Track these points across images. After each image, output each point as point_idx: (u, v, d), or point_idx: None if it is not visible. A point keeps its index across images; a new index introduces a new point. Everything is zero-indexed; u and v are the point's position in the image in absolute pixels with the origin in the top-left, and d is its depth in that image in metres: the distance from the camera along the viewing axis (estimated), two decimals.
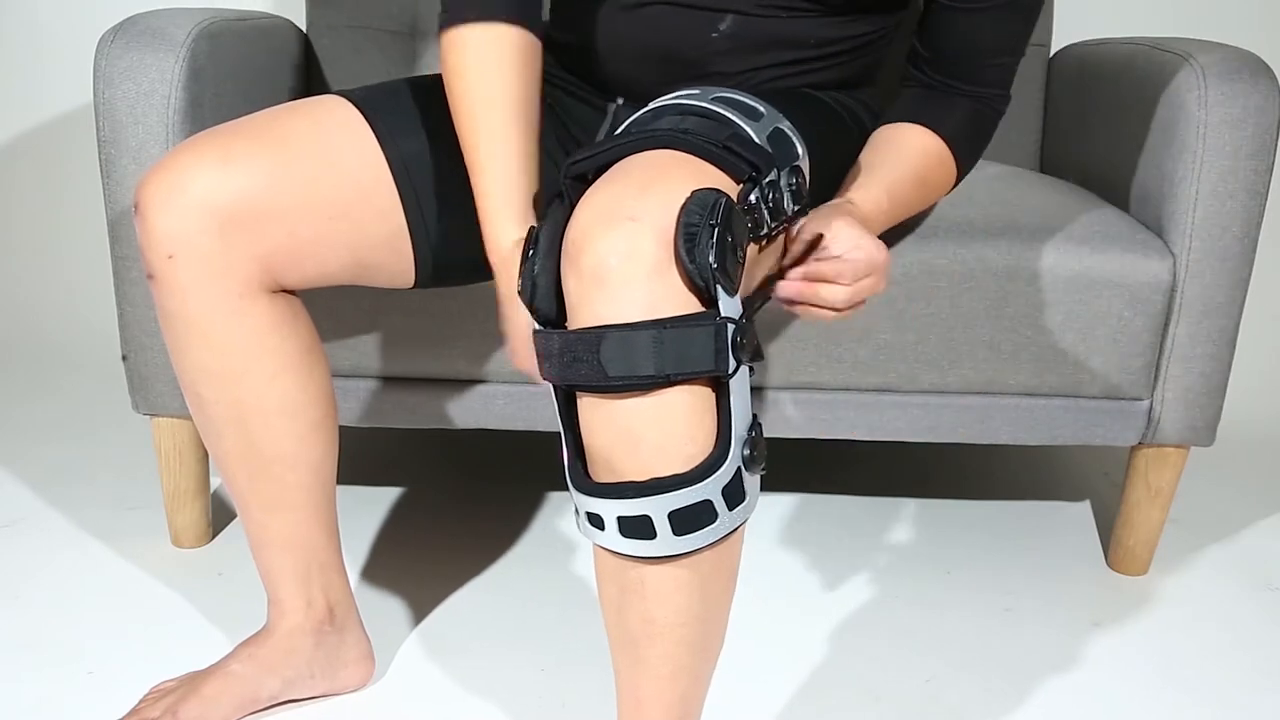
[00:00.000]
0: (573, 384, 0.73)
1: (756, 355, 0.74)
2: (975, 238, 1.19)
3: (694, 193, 0.72)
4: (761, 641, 1.19)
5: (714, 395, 0.73)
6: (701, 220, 0.70)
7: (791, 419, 1.25)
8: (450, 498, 1.50)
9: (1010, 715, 1.08)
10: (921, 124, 1.02)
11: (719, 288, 0.70)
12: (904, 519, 1.47)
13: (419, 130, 0.96)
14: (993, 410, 1.25)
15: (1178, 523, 1.48)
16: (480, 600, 1.25)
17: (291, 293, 0.94)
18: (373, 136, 0.94)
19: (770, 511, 1.48)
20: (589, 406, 0.73)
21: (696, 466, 0.72)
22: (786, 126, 0.86)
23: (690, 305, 0.71)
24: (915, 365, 1.22)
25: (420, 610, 1.23)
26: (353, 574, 1.29)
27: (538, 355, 0.76)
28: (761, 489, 1.52)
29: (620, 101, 1.07)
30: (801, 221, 0.87)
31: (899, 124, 1.03)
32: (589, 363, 0.70)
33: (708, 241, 0.69)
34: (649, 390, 0.71)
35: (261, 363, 0.91)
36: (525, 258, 0.77)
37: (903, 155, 1.01)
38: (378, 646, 1.14)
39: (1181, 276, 1.20)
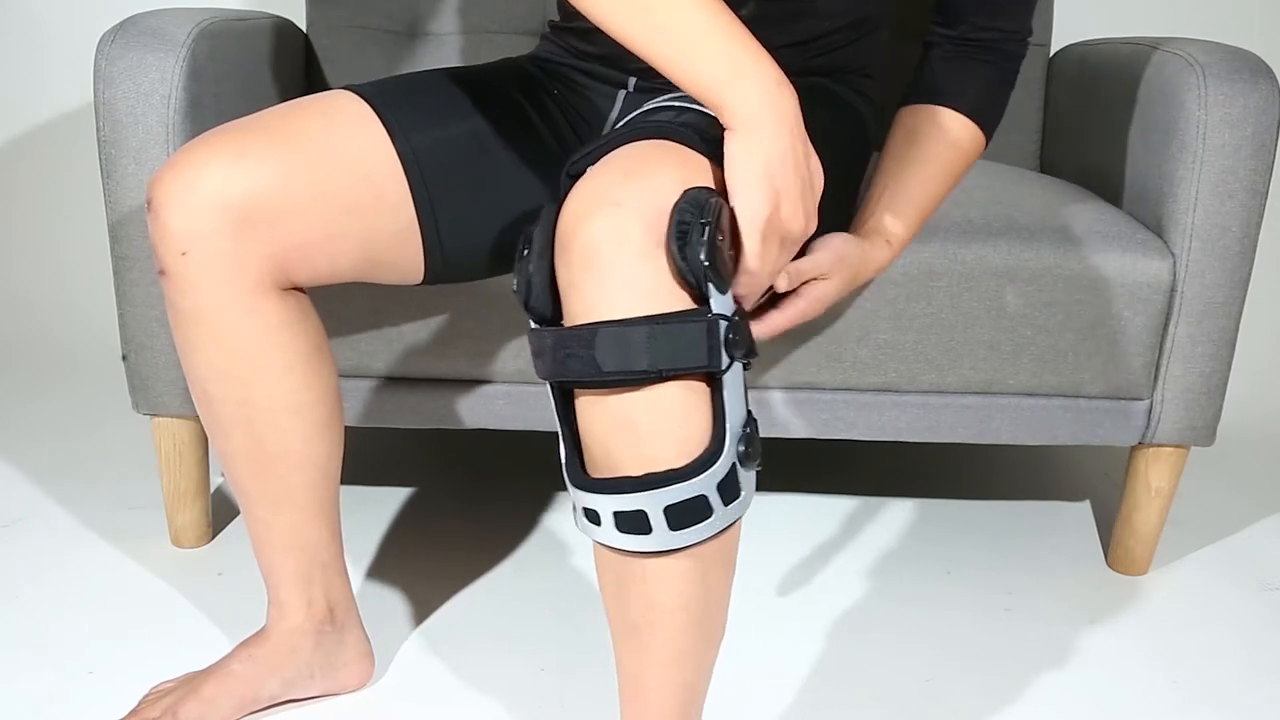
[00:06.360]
0: (566, 379, 0.74)
1: (750, 352, 0.75)
2: (975, 238, 1.19)
3: (686, 191, 0.73)
4: (761, 640, 1.19)
5: (708, 391, 0.74)
6: (693, 219, 0.71)
7: (792, 419, 1.25)
8: (450, 498, 1.50)
9: (1010, 715, 1.09)
10: (945, 104, 1.05)
11: (710, 285, 0.71)
12: (904, 519, 1.47)
13: (430, 124, 0.96)
14: (993, 410, 1.25)
15: (1178, 523, 1.48)
16: (480, 600, 1.25)
17: (301, 291, 0.95)
18: (384, 131, 0.94)
19: (770, 511, 1.48)
20: (586, 403, 0.74)
21: (691, 462, 0.72)
22: None
23: (679, 292, 0.72)
24: (915, 365, 1.22)
25: (420, 610, 1.23)
26: (353, 573, 1.29)
27: (532, 356, 0.77)
28: (761, 488, 1.52)
29: (630, 88, 1.08)
30: (814, 253, 0.91)
31: (923, 109, 1.06)
32: (583, 357, 0.71)
33: (699, 239, 0.70)
34: (643, 385, 0.72)
35: (271, 361, 0.91)
36: (520, 257, 0.78)
37: (934, 155, 1.04)
38: (378, 646, 1.14)
39: (1181, 276, 1.20)
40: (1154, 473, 1.30)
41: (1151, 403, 1.25)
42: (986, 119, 1.07)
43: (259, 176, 0.87)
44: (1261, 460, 1.71)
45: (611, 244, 0.71)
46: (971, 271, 1.18)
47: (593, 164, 0.79)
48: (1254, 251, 1.20)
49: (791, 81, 1.01)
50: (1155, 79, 1.25)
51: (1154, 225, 1.24)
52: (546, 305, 0.77)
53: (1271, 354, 1.95)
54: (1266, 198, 1.18)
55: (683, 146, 0.78)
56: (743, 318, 0.75)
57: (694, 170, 0.76)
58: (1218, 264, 1.20)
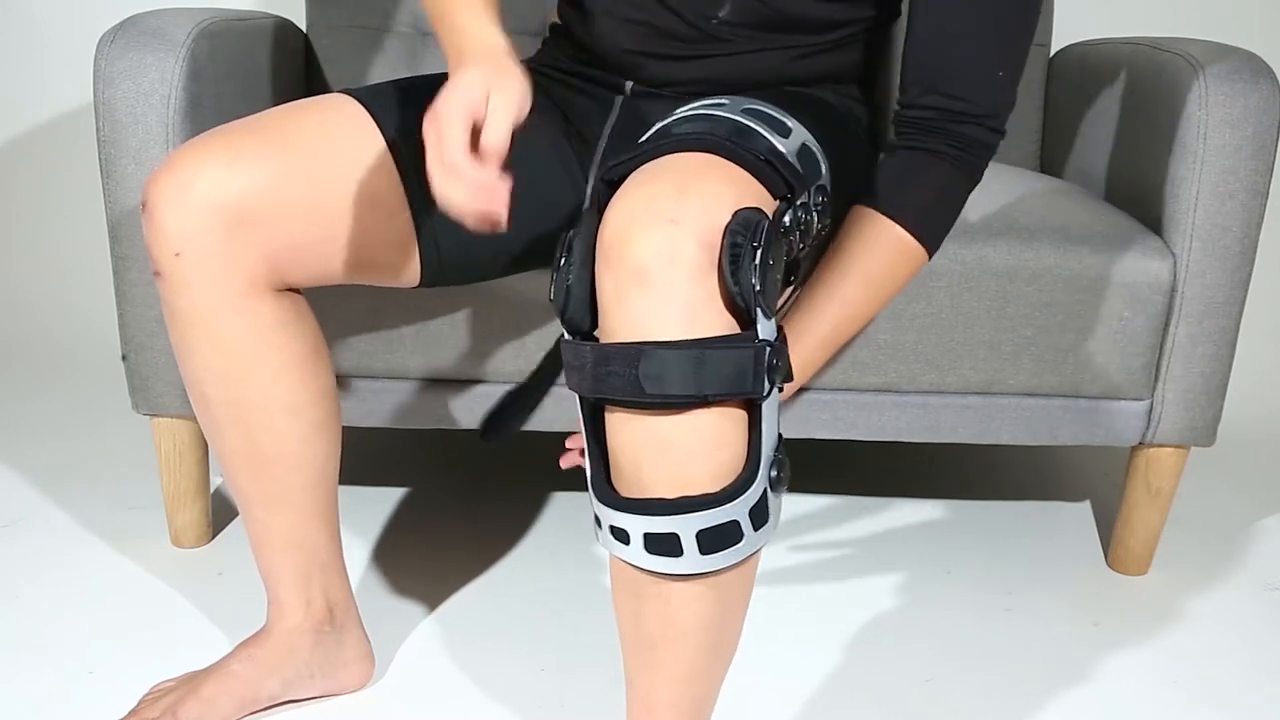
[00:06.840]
0: (605, 397, 0.72)
1: (787, 376, 0.74)
2: (975, 238, 1.19)
3: (737, 212, 0.71)
4: (761, 641, 1.19)
5: (745, 415, 0.73)
6: (745, 241, 0.70)
7: (792, 419, 1.25)
8: (450, 498, 1.50)
9: (1010, 715, 1.08)
10: (886, 212, 0.93)
11: (758, 310, 0.70)
12: (904, 519, 1.47)
13: None
14: (993, 410, 1.25)
15: (1178, 523, 1.48)
16: (480, 600, 1.25)
17: (297, 292, 0.94)
18: (379, 135, 0.94)
19: None
20: (620, 419, 0.73)
21: (726, 487, 0.72)
22: (812, 142, 0.86)
23: (726, 316, 0.71)
24: (915, 365, 1.22)
25: (420, 610, 1.23)
26: (353, 574, 1.29)
27: (565, 366, 0.75)
28: None
29: (627, 93, 1.07)
30: None
31: (864, 212, 0.95)
32: (625, 376, 0.70)
33: (750, 263, 0.69)
34: (683, 409, 0.71)
35: (266, 361, 0.91)
36: (558, 266, 0.77)
37: (852, 273, 0.94)
38: (378, 646, 1.14)
39: (1181, 276, 1.20)
40: (1154, 473, 1.30)
41: (1151, 403, 1.25)
42: (930, 231, 0.94)
43: (253, 178, 0.87)
44: (1261, 460, 1.71)
45: (663, 261, 0.69)
46: (971, 271, 1.18)
47: (628, 171, 0.77)
48: (1254, 251, 1.20)
49: (780, 90, 1.00)
50: (1155, 79, 1.25)
51: (1154, 225, 1.24)
52: (585, 317, 0.75)
53: (1271, 354, 1.95)
54: (1267, 198, 1.18)
55: (730, 162, 0.76)
56: (783, 341, 0.74)
57: (744, 187, 0.75)
58: (1218, 264, 1.20)
